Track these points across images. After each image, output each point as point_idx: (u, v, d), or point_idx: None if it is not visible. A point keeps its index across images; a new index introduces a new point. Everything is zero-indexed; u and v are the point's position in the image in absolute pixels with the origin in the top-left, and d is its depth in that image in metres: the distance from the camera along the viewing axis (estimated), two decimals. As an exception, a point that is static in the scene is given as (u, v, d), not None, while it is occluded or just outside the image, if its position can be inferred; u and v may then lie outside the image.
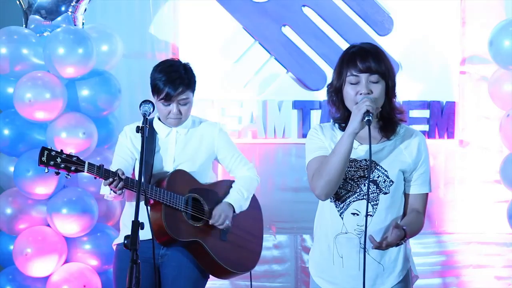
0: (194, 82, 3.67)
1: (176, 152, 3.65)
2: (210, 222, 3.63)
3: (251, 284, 3.97)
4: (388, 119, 2.89)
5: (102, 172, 3.34)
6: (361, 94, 2.80)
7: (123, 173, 3.39)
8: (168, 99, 3.56)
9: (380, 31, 4.94)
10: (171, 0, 4.98)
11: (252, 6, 4.93)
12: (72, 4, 4.58)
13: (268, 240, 4.93)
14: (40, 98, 4.34)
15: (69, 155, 3.33)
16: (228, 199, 3.72)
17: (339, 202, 2.88)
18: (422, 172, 2.93)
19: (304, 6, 4.94)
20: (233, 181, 3.83)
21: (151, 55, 4.96)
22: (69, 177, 3.37)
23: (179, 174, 3.61)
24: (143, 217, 3.10)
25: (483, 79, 4.94)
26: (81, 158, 3.36)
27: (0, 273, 4.62)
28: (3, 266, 4.66)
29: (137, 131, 3.16)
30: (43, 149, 3.29)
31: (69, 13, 4.59)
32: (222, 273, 3.76)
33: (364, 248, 2.80)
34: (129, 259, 3.44)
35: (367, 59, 2.82)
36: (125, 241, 2.80)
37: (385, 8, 4.94)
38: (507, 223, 4.71)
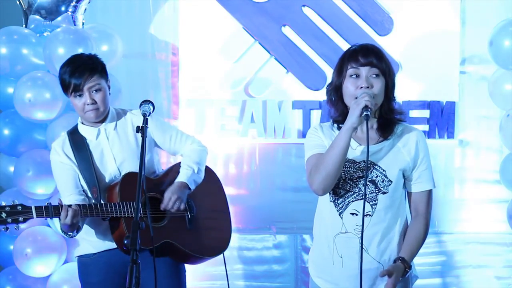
0: (102, 68, 3.49)
1: (113, 150, 3.50)
2: (161, 207, 3.45)
3: (225, 267, 3.77)
4: (386, 119, 2.89)
5: (51, 211, 3.24)
6: (361, 88, 2.81)
7: (72, 205, 3.27)
8: (77, 89, 3.40)
9: (380, 31, 4.94)
10: (171, 0, 4.98)
11: (252, 6, 4.93)
12: (72, 4, 4.58)
13: (268, 240, 4.93)
14: (40, 98, 4.34)
15: (13, 206, 3.21)
16: (178, 178, 3.52)
17: (339, 202, 2.88)
18: (424, 169, 2.92)
19: (304, 6, 4.94)
20: (178, 163, 3.64)
21: (151, 55, 4.96)
22: (18, 229, 3.25)
23: (129, 177, 3.44)
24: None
25: (483, 79, 4.94)
26: (24, 204, 3.24)
27: (0, 273, 4.62)
28: (3, 266, 4.66)
29: (137, 131, 3.15)
30: None
31: (69, 13, 4.59)
32: (197, 261, 3.64)
33: (361, 248, 2.81)
34: (104, 269, 3.46)
35: (368, 54, 2.85)
36: (125, 241, 2.79)
37: (385, 8, 4.94)
38: (507, 223, 4.72)
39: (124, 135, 3.54)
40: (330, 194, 2.90)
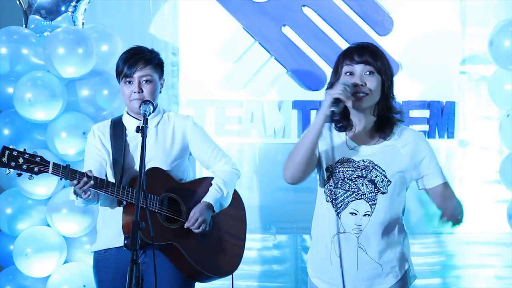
0: (158, 63, 3.53)
1: (147, 145, 3.45)
2: (186, 225, 3.42)
3: (232, 285, 3.70)
4: (384, 118, 2.89)
5: (68, 172, 3.22)
6: (356, 86, 2.82)
7: (91, 172, 3.27)
8: (128, 75, 3.44)
9: (380, 31, 4.94)
10: (171, 0, 4.98)
11: (252, 6, 4.93)
12: (72, 4, 4.58)
13: (268, 240, 4.93)
14: (40, 98, 4.34)
15: (32, 155, 3.19)
16: (206, 198, 3.48)
17: (337, 202, 2.88)
18: (431, 166, 2.92)
19: (304, 6, 4.94)
20: (210, 178, 3.60)
21: (151, 55, 4.95)
22: (32, 178, 3.22)
23: (155, 172, 3.43)
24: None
25: (483, 79, 4.94)
26: (45, 158, 3.23)
27: (0, 273, 4.62)
28: (3, 266, 4.66)
29: (137, 131, 3.12)
30: (4, 148, 3.15)
31: (69, 13, 4.59)
32: (200, 277, 3.56)
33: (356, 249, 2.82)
34: (113, 268, 3.44)
35: (363, 53, 2.87)
36: (125, 241, 2.78)
37: (385, 8, 4.94)
38: (507, 223, 4.72)
39: (163, 134, 3.52)
40: (327, 195, 2.89)
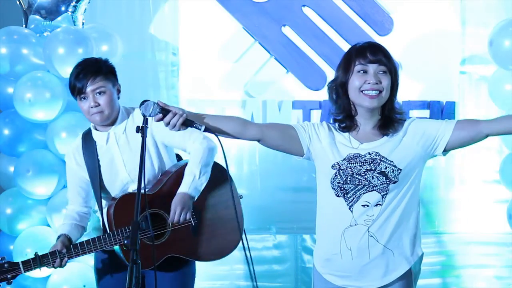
0: (108, 71, 3.45)
1: (123, 156, 3.45)
2: (169, 221, 3.39)
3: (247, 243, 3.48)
4: (388, 117, 2.89)
5: (39, 262, 3.26)
6: (369, 83, 2.81)
7: (62, 246, 3.29)
8: (81, 92, 3.37)
9: (380, 31, 4.94)
10: (171, 0, 4.98)
11: (252, 6, 4.93)
12: (72, 4, 4.58)
13: (268, 240, 4.93)
14: (40, 98, 4.34)
15: (0, 264, 3.20)
16: (180, 189, 3.40)
17: (348, 196, 2.87)
18: (439, 125, 2.89)
19: (304, 6, 4.94)
20: (182, 165, 3.51)
21: (151, 55, 4.96)
22: (10, 284, 3.23)
23: (126, 200, 3.38)
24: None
25: (483, 79, 4.94)
26: (11, 261, 3.24)
27: (0, 273, 4.62)
28: (3, 266, 4.66)
29: (137, 131, 3.11)
30: None
31: (69, 13, 4.59)
32: (206, 260, 3.58)
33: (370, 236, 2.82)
34: (114, 267, 3.44)
35: (377, 52, 2.87)
36: (125, 241, 2.77)
37: (385, 8, 4.94)
38: (507, 223, 4.72)
39: (133, 137, 3.45)
40: (337, 190, 2.89)
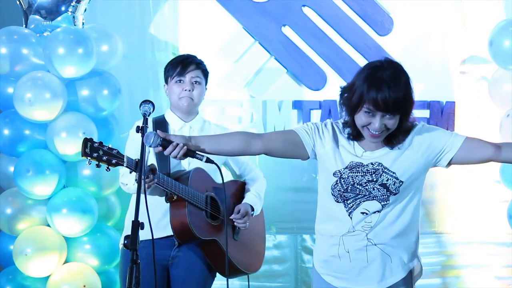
0: (205, 72, 3.73)
1: None
2: (232, 216, 3.67)
3: (248, 285, 3.93)
4: (393, 133, 2.85)
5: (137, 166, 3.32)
6: (374, 126, 2.75)
7: (155, 169, 3.42)
8: (181, 73, 3.63)
9: (380, 31, 4.94)
10: (171, 0, 4.98)
11: (252, 6, 4.93)
12: (72, 4, 4.58)
13: (268, 240, 4.92)
14: (40, 98, 4.33)
15: (110, 148, 3.24)
16: (249, 200, 3.77)
17: (348, 203, 2.88)
18: (447, 138, 2.86)
19: (304, 6, 4.94)
20: (241, 182, 3.89)
21: (151, 55, 4.96)
22: (109, 170, 3.26)
23: (199, 172, 3.62)
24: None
25: (483, 79, 4.94)
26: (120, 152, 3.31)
27: (0, 273, 4.62)
28: (3, 266, 4.66)
29: (137, 131, 3.12)
30: (86, 140, 3.17)
31: (69, 13, 4.59)
32: (232, 272, 3.75)
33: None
34: (144, 259, 3.46)
35: (389, 108, 2.72)
36: (125, 241, 2.78)
37: (385, 8, 4.94)
38: (507, 223, 4.71)
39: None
40: (337, 197, 2.88)
